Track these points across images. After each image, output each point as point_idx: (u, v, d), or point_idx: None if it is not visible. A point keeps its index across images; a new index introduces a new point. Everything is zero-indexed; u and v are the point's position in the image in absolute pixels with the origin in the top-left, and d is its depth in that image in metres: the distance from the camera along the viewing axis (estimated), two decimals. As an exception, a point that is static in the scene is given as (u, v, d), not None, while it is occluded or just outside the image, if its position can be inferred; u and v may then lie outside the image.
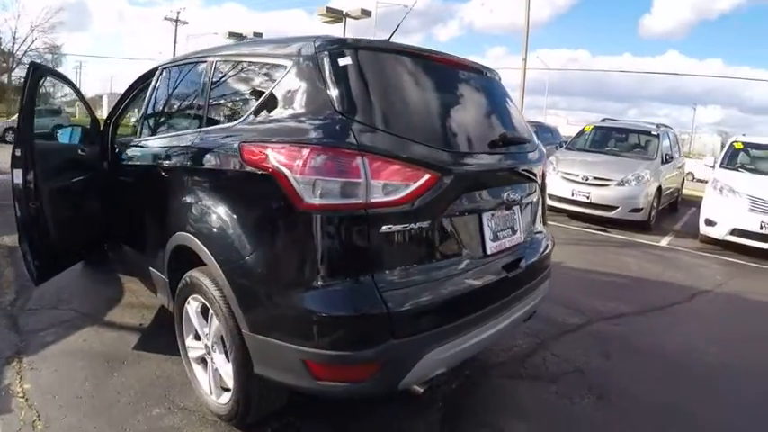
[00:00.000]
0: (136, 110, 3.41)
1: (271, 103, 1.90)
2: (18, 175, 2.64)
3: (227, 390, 2.06)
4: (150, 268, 2.59)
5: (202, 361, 2.22)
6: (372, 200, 1.61)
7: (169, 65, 2.82)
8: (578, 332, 3.44)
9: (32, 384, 2.29)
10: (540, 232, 2.53)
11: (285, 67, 1.89)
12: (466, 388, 2.55)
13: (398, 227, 1.67)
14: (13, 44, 31.88)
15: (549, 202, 7.29)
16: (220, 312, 1.88)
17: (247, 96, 2.12)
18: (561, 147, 10.43)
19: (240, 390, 1.89)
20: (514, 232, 2.20)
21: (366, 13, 20.12)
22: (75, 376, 2.38)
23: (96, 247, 3.50)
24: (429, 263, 1.79)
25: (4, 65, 31.88)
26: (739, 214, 6.27)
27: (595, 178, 7.39)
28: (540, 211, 2.54)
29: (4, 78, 32.06)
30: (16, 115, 2.92)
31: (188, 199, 2.12)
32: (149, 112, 2.87)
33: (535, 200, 2.44)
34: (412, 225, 1.70)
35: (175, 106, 2.71)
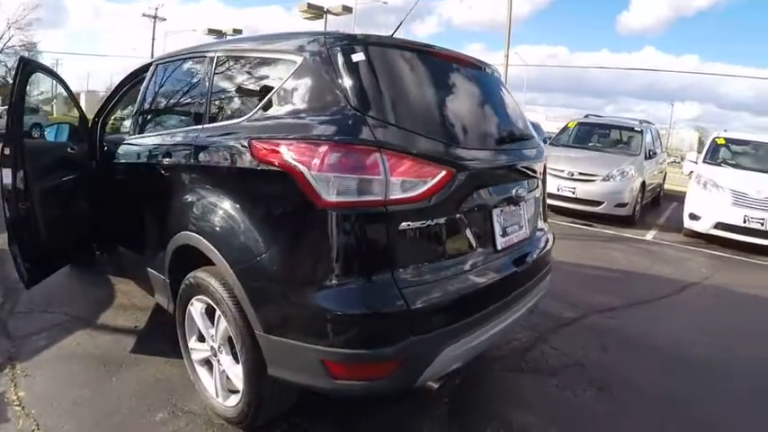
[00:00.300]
0: (128, 107, 3.32)
1: (279, 98, 1.86)
2: (7, 175, 2.55)
3: (234, 392, 2.02)
4: (148, 269, 2.52)
5: (207, 363, 2.17)
6: (392, 197, 1.60)
7: (164, 60, 2.74)
8: (574, 325, 3.49)
9: (28, 392, 2.21)
10: (542, 228, 2.55)
11: (294, 62, 1.85)
12: (470, 382, 2.56)
13: (417, 223, 1.67)
14: (-11, 41, 30.92)
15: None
16: (229, 313, 1.83)
17: (252, 92, 2.07)
18: (545, 143, 10.54)
19: (251, 392, 1.85)
20: (521, 228, 2.23)
21: (347, 10, 20.04)
22: (72, 382, 2.31)
23: (86, 247, 3.41)
24: (445, 259, 1.80)
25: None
26: (723, 208, 6.41)
27: (581, 174, 7.48)
28: (541, 207, 2.56)
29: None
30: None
31: (192, 197, 2.06)
32: (144, 109, 2.78)
33: (538, 195, 2.47)
34: (429, 221, 1.71)
35: (173, 103, 2.63)
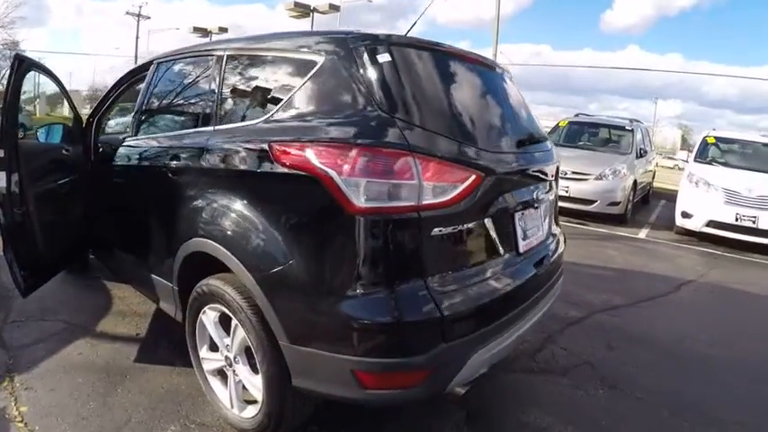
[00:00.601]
0: (126, 107, 3.20)
1: (299, 100, 1.79)
2: (1, 178, 2.43)
3: (251, 403, 1.95)
4: (152, 276, 2.42)
5: (220, 373, 2.10)
6: (424, 202, 1.56)
7: (166, 59, 2.63)
8: (580, 325, 3.51)
9: (30, 406, 2.10)
10: (555, 232, 2.55)
11: (314, 62, 1.78)
12: (486, 384, 2.53)
13: (448, 229, 1.64)
14: (-29, 41, 29.92)
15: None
16: (248, 323, 1.76)
17: (268, 93, 1.99)
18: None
19: (271, 403, 1.79)
20: (538, 230, 2.23)
21: (334, 8, 19.91)
22: (75, 394, 2.21)
23: (82, 252, 3.29)
24: (473, 264, 1.78)
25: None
26: (715, 207, 6.50)
27: (574, 173, 7.51)
28: (554, 210, 2.56)
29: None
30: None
31: (204, 202, 1.98)
32: (145, 109, 2.67)
33: (552, 198, 2.47)
34: (459, 227, 1.68)
35: (178, 103, 2.53)
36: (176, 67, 2.56)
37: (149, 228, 2.44)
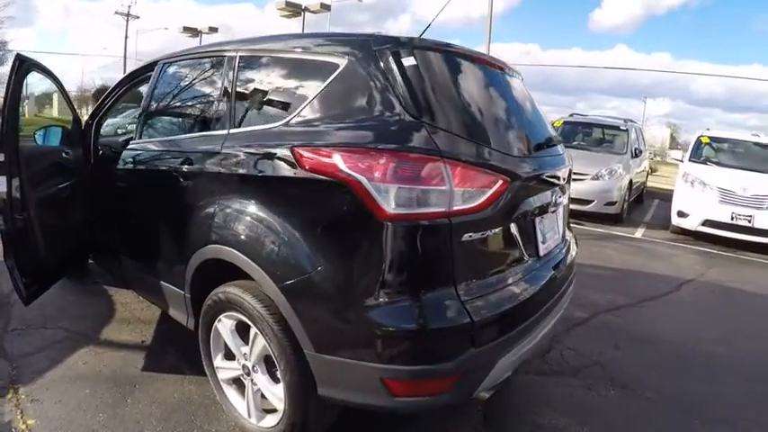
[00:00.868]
0: (126, 109, 3.12)
1: (321, 103, 1.74)
2: (1, 183, 2.35)
3: (270, 412, 1.91)
4: (161, 283, 2.35)
5: (236, 382, 2.05)
6: (455, 208, 1.54)
7: (172, 60, 2.55)
8: (586, 325, 3.52)
9: (37, 419, 2.03)
10: (567, 237, 2.55)
11: (336, 65, 1.74)
12: (500, 386, 2.53)
13: (477, 235, 1.62)
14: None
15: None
16: (270, 331, 1.72)
17: (286, 95, 1.93)
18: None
19: (295, 412, 1.75)
20: (555, 234, 2.24)
21: (325, 8, 19.82)
22: (84, 406, 2.13)
23: (82, 258, 3.21)
24: (499, 268, 1.78)
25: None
26: (711, 206, 6.55)
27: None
28: (567, 214, 2.57)
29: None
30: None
31: (220, 207, 1.92)
32: (151, 111, 2.59)
33: (566, 202, 2.47)
34: (487, 232, 1.67)
35: (188, 105, 2.46)
36: (184, 68, 2.49)
37: (158, 234, 2.38)
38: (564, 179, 2.38)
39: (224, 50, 2.21)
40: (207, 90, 2.30)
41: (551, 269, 2.08)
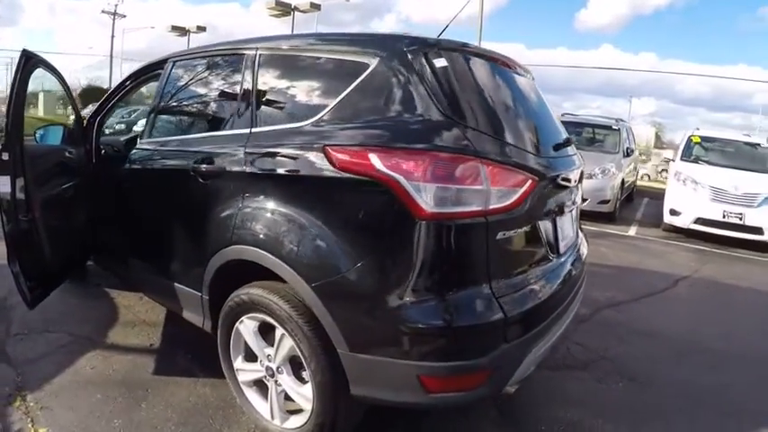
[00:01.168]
0: (128, 107, 3.05)
1: (351, 102, 1.73)
2: (6, 183, 2.27)
3: (294, 413, 1.89)
4: (175, 284, 2.29)
5: (257, 384, 2.01)
6: (491, 206, 1.56)
7: (185, 57, 2.49)
8: (590, 321, 3.58)
9: (50, 428, 1.96)
10: (580, 235, 2.60)
11: (366, 64, 1.73)
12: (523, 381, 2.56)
13: (509, 233, 1.66)
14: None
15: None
16: (299, 332, 1.69)
17: (312, 94, 1.91)
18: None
19: (324, 412, 1.73)
20: (571, 232, 2.29)
21: (315, 7, 19.72)
22: (97, 413, 2.07)
23: (85, 259, 3.13)
24: (527, 265, 1.81)
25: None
26: (703, 204, 6.66)
27: (564, 172, 7.59)
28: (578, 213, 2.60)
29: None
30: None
31: (244, 207, 1.88)
32: (162, 109, 2.53)
33: (579, 201, 2.51)
34: (518, 230, 1.72)
35: (203, 103, 2.40)
36: (198, 67, 2.42)
37: (172, 234, 2.31)
38: (577, 179, 2.41)
39: (243, 49, 2.16)
40: (225, 88, 2.25)
41: (569, 266, 2.12)
